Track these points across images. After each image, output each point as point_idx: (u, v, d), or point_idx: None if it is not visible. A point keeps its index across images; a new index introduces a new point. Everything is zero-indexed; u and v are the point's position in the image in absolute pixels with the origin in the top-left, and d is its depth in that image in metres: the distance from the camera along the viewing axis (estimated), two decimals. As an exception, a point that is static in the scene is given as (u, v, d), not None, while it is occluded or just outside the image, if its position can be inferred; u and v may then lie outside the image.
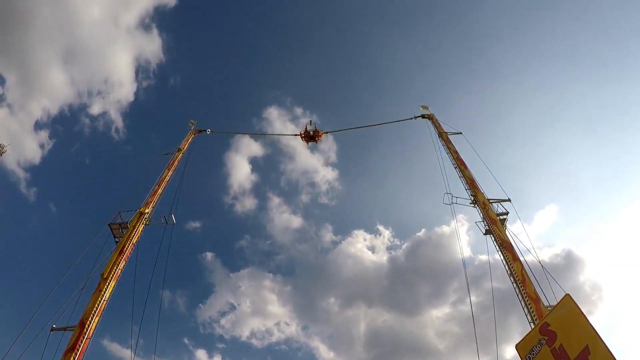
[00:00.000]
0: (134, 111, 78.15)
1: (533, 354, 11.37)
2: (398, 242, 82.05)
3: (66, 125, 72.53)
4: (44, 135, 68.12)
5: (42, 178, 69.99)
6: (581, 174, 78.67)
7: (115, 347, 60.11)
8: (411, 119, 32.53)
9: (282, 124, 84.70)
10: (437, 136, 29.26)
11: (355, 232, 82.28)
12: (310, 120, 35.29)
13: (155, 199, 25.22)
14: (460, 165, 26.04)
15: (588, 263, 72.82)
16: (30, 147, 66.64)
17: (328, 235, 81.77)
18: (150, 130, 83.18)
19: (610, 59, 75.91)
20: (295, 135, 36.90)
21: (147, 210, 23.83)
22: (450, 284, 70.70)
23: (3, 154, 45.40)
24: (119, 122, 74.92)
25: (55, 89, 69.63)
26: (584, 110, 79.90)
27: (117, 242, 22.19)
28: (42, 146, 68.02)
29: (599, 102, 77.43)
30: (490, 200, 23.25)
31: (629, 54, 72.76)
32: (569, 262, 66.23)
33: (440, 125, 29.80)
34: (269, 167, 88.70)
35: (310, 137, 34.86)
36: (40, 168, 69.31)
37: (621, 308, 66.16)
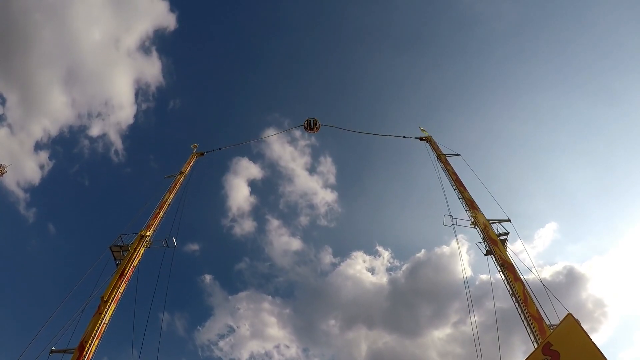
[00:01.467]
0: (134, 133, 78.94)
1: (537, 375, 11.32)
2: (398, 263, 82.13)
3: (66, 147, 73.21)
4: (43, 156, 68.65)
5: (42, 199, 70.23)
6: (580, 191, 79.46)
7: (113, 370, 59.44)
8: (408, 138, 32.79)
9: (280, 146, 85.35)
10: (436, 158, 29.53)
11: (355, 253, 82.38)
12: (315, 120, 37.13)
13: (157, 221, 25.27)
14: (459, 186, 26.21)
15: (590, 280, 73.06)
16: (30, 168, 67.09)
17: (327, 257, 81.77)
18: (149, 152, 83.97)
19: (607, 78, 77.15)
20: (299, 126, 38.72)
21: (148, 233, 23.87)
22: (451, 304, 70.51)
23: (4, 174, 45.39)
24: (118, 144, 75.67)
25: (55, 110, 70.67)
26: (582, 130, 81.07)
27: (117, 264, 22.18)
28: (42, 167, 68.51)
29: (597, 121, 78.52)
30: (491, 221, 23.36)
31: (626, 73, 73.95)
32: (570, 280, 66.36)
33: (438, 147, 30.09)
34: (267, 190, 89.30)
35: (309, 125, 37.03)
36: (40, 189, 69.57)
37: (625, 324, 65.93)
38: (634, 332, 66.37)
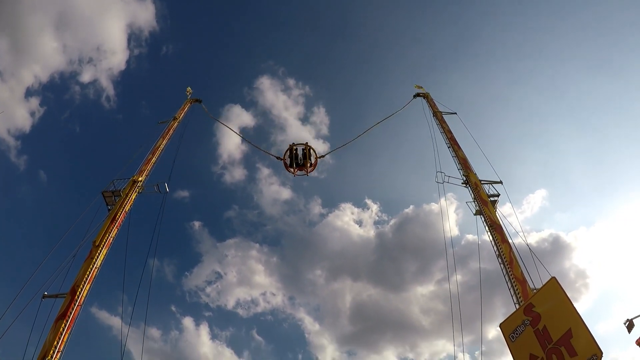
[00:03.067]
0: (126, 79, 76.95)
1: (516, 334, 11.60)
2: (386, 217, 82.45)
3: (57, 93, 71.52)
4: (34, 102, 67.11)
5: (33, 146, 69.32)
6: (572, 162, 79.19)
7: (103, 315, 60.60)
8: (410, 100, 31.94)
9: (274, 94, 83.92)
10: (432, 115, 29.25)
11: (343, 205, 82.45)
12: (307, 143, 25.50)
13: (149, 167, 25.13)
14: (453, 145, 26.11)
15: (575, 250, 73.62)
16: (21, 115, 65.69)
17: (317, 208, 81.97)
18: (141, 98, 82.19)
19: (606, 50, 75.88)
20: (279, 159, 25.57)
21: (140, 179, 23.81)
22: (437, 262, 71.41)
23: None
24: (110, 90, 73.91)
25: (46, 56, 68.28)
26: (579, 100, 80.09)
27: (109, 210, 22.19)
28: (32, 114, 67.12)
29: (596, 94, 77.68)
30: (482, 182, 23.43)
31: (625, 45, 72.73)
32: (555, 248, 67.03)
33: (435, 104, 29.75)
34: (259, 138, 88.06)
35: (296, 161, 25.08)
36: (30, 136, 68.57)
37: (605, 297, 67.49)
38: (612, 306, 67.66)
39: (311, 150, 24.98)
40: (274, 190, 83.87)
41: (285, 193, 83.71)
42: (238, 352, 69.10)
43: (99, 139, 77.51)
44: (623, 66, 74.29)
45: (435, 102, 29.94)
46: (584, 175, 78.20)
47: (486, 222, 21.53)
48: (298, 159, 24.76)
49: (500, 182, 23.41)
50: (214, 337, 70.53)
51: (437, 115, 28.65)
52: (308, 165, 24.57)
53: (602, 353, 8.88)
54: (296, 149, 24.84)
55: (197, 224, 76.91)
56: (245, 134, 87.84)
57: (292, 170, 24.74)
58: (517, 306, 16.47)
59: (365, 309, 71.18)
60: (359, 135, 26.79)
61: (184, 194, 71.80)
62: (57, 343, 15.89)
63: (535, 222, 77.09)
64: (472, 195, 23.23)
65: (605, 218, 78.26)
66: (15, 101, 64.10)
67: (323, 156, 24.35)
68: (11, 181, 66.84)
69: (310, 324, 73.72)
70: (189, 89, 33.01)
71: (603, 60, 76.69)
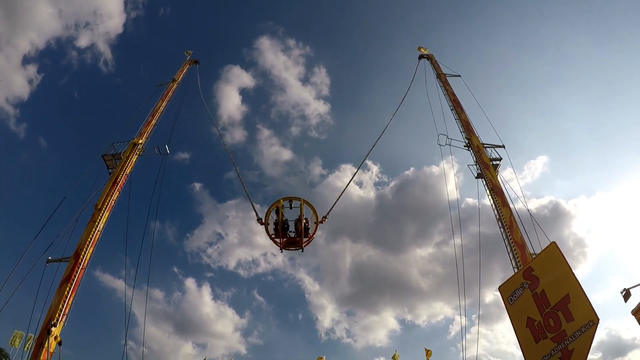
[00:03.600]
0: (123, 43, 75.90)
1: (515, 297, 11.75)
2: (386, 179, 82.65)
3: (54, 59, 70.46)
4: (32, 70, 66.27)
5: (32, 113, 68.85)
6: (575, 129, 78.69)
7: (107, 278, 61.76)
8: (416, 67, 31.13)
9: (274, 54, 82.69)
10: (435, 77, 28.85)
11: (343, 166, 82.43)
12: (291, 202, 17.14)
13: (149, 129, 25.10)
14: (456, 107, 25.87)
15: (574, 218, 74.02)
16: (19, 83, 65.02)
17: (317, 169, 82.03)
18: (139, 62, 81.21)
19: (611, 16, 74.12)
20: (260, 221, 17.26)
21: (140, 141, 23.76)
22: (436, 225, 72.11)
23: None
24: (107, 54, 72.98)
25: (42, 22, 66.90)
26: (580, 66, 78.80)
27: (110, 173, 22.26)
28: (30, 81, 66.33)
29: (600, 62, 76.33)
30: (485, 145, 23.34)
31: (632, 11, 71.02)
32: (555, 215, 67.43)
33: (439, 66, 29.30)
34: (259, 99, 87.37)
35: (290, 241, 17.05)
36: (29, 103, 68.01)
37: (602, 267, 68.23)
38: (609, 276, 68.59)
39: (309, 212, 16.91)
40: (275, 151, 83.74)
41: (286, 154, 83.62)
42: (240, 311, 70.67)
43: (98, 104, 77.00)
44: (630, 33, 72.84)
45: (439, 64, 29.49)
46: (587, 144, 77.87)
47: (487, 186, 21.58)
48: (288, 226, 16.86)
49: (503, 146, 23.35)
50: (215, 297, 71.97)
51: (441, 77, 28.25)
52: (304, 237, 16.77)
53: (598, 320, 9.01)
54: (284, 215, 16.75)
55: (197, 185, 77.35)
56: (244, 95, 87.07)
57: (278, 241, 16.76)
58: (516, 270, 16.68)
59: (364, 270, 72.17)
60: (377, 139, 22.08)
61: (184, 156, 71.87)
62: (63, 306, 16.18)
63: (536, 188, 77.28)
64: (474, 158, 23.18)
65: (606, 188, 78.51)
66: (12, 69, 63.25)
67: (326, 218, 17.02)
68: (12, 149, 66.70)
69: (310, 285, 74.96)
70: (188, 51, 32.62)
71: (610, 25, 75.16)
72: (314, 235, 16.94)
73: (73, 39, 68.79)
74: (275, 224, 16.67)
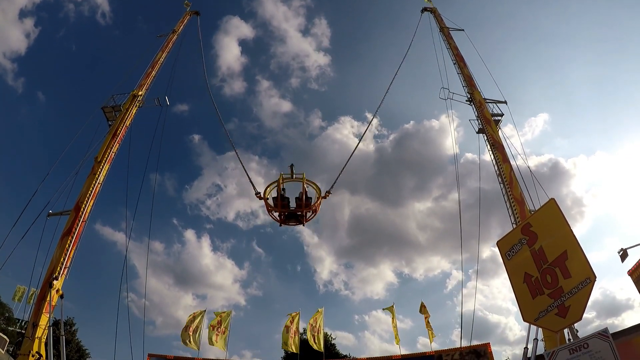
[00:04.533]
0: (120, -7, 73.71)
1: (513, 252, 11.88)
2: (385, 132, 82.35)
3: (51, 12, 68.67)
4: (29, 23, 64.69)
5: (30, 68, 67.75)
6: (577, 88, 77.64)
7: (107, 231, 62.40)
8: (419, 20, 30.30)
9: (273, 4, 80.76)
10: (439, 30, 28.27)
11: (343, 118, 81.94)
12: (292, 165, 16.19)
13: (149, 81, 24.90)
14: (459, 61, 25.52)
15: (573, 177, 74.13)
16: (16, 37, 63.63)
17: (317, 121, 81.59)
18: (137, 13, 79.26)
19: None
20: (258, 195, 16.33)
21: (140, 93, 23.60)
22: (435, 179, 72.42)
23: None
24: (105, 6, 71.23)
25: (38, -27, 64.69)
26: (588, 27, 76.79)
27: (110, 125, 22.18)
28: (27, 35, 64.87)
29: (606, 20, 74.36)
30: (487, 100, 23.16)
31: None
32: (554, 173, 67.54)
33: (442, 19, 28.65)
34: (258, 50, 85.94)
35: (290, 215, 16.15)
36: (26, 58, 66.80)
37: (598, 227, 68.76)
38: (605, 237, 69.28)
39: (312, 188, 16.19)
40: (274, 102, 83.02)
41: (286, 106, 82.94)
42: (239, 263, 72.01)
43: (96, 56, 75.68)
44: None
45: (442, 17, 28.84)
46: (589, 103, 77.02)
47: (488, 141, 21.54)
48: (289, 202, 16.08)
49: (505, 102, 23.23)
50: (215, 249, 73.10)
51: (444, 30, 27.69)
52: (306, 212, 15.95)
53: (595, 277, 9.13)
54: (284, 190, 16.06)
55: (196, 137, 77.05)
56: (244, 46, 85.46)
57: (278, 217, 16.16)
58: (514, 226, 16.85)
59: (363, 223, 72.95)
60: (383, 98, 21.12)
61: (183, 107, 71.26)
62: (64, 259, 16.46)
63: (536, 146, 77.09)
64: (476, 113, 23.04)
65: (606, 148, 78.17)
66: (8, 24, 61.74)
67: (329, 193, 16.42)
68: (10, 104, 66.03)
69: (309, 237, 75.95)
70: (187, 2, 31.78)
71: None
72: (318, 211, 16.21)
73: None
74: (274, 199, 15.89)
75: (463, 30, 28.03)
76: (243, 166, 18.49)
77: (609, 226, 70.72)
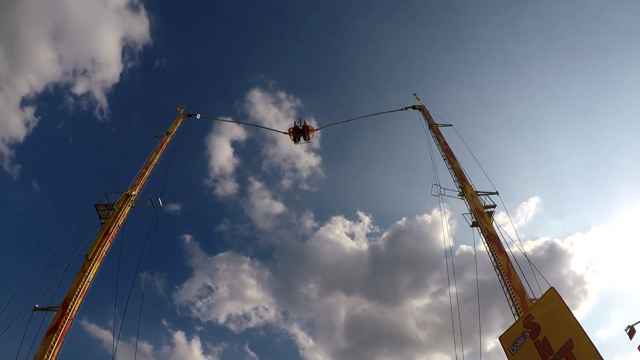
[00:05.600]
0: (119, 92, 77.18)
1: (516, 347, 11.46)
2: (378, 230, 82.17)
3: (51, 104, 71.71)
4: (29, 112, 67.28)
5: (27, 156, 69.29)
6: (565, 167, 79.37)
7: (93, 328, 59.90)
8: (402, 109, 32.40)
9: (264, 107, 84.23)
10: (428, 127, 29.24)
11: (335, 217, 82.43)
12: (300, 119, 33.45)
13: (143, 181, 25.09)
14: (449, 157, 26.07)
15: (571, 256, 73.57)
16: (16, 124, 65.76)
17: (309, 222, 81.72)
18: (134, 111, 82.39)
19: (596, 52, 76.66)
20: (285, 133, 34.26)
21: (134, 193, 23.71)
22: (431, 274, 71.12)
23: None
24: (103, 102, 74.04)
25: (42, 66, 68.57)
26: (567, 104, 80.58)
27: (102, 223, 22.05)
28: (27, 124, 67.17)
29: (584, 96, 78.34)
30: (478, 193, 23.34)
31: (616, 47, 73.51)
32: (551, 255, 66.85)
33: (430, 116, 29.79)
34: (250, 151, 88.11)
35: (300, 131, 33.30)
36: (24, 146, 68.59)
37: (603, 303, 67.23)
38: (612, 312, 67.53)
39: (308, 126, 33.22)
40: (266, 204, 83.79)
41: (277, 207, 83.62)
42: (230, 367, 68.16)
43: (92, 151, 77.62)
44: (614, 68, 75.04)
45: (430, 114, 30.01)
46: (577, 180, 78.32)
47: (483, 234, 21.36)
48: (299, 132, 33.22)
49: (497, 193, 23.36)
50: (206, 352, 69.52)
51: (433, 127, 28.67)
52: (308, 135, 33.39)
53: (605, 363, 8.71)
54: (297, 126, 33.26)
55: (188, 237, 76.47)
56: (236, 147, 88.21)
57: (295, 139, 33.51)
58: (517, 317, 16.29)
59: (360, 323, 70.45)
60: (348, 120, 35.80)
61: (175, 207, 71.43)
62: (48, 357, 15.64)
63: (530, 230, 76.99)
64: (469, 207, 23.09)
65: (600, 223, 78.16)
66: (10, 110, 64.25)
67: (317, 129, 34.13)
68: (4, 190, 66.73)
69: (304, 339, 72.84)
70: (180, 105, 33.24)
71: (594, 63, 77.47)
72: (311, 134, 33.47)
73: (70, 85, 70.30)
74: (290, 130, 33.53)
75: (451, 125, 29.00)
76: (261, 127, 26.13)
77: (613, 300, 68.62)
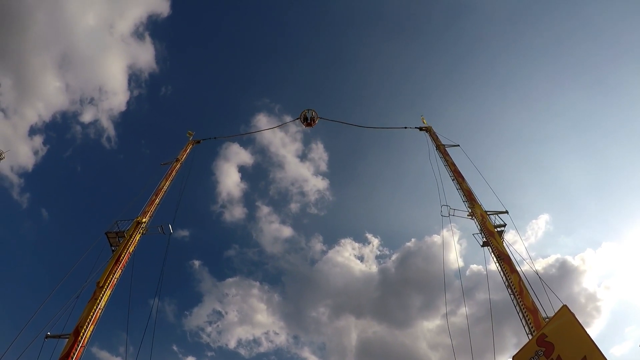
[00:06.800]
0: (126, 120, 78.40)
1: (531, 366, 11.30)
2: (387, 252, 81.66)
3: (59, 132, 72.79)
4: (38, 141, 68.34)
5: (36, 184, 70.12)
6: (573, 183, 78.92)
7: (104, 355, 59.66)
8: (407, 128, 32.64)
9: (271, 131, 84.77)
10: (435, 148, 29.36)
11: (343, 240, 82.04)
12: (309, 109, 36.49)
13: (153, 208, 25.29)
14: (457, 177, 26.08)
15: (583, 273, 72.54)
16: (24, 153, 66.79)
17: (318, 245, 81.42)
18: (141, 138, 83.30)
19: (603, 71, 76.86)
20: (295, 119, 38.31)
21: (144, 220, 23.88)
22: (442, 295, 70.07)
23: (1, 160, 45.18)
24: (110, 130, 75.10)
25: (49, 94, 69.97)
26: (574, 120, 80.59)
27: (113, 250, 22.20)
28: (36, 152, 68.18)
29: (592, 114, 78.31)
30: (488, 213, 23.24)
31: (619, 60, 73.68)
32: (563, 272, 65.96)
33: (437, 137, 29.92)
34: (258, 176, 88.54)
35: (306, 119, 36.27)
36: (33, 174, 69.46)
37: (617, 319, 66.00)
38: (626, 328, 66.25)
39: (315, 114, 36.06)
40: (274, 228, 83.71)
41: (286, 231, 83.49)
42: (243, 393, 67.27)
43: (100, 179, 78.43)
44: (621, 83, 75.03)
45: (437, 134, 30.14)
46: (586, 196, 77.66)
47: (494, 254, 21.25)
48: (308, 120, 36.16)
49: (506, 212, 23.21)
50: (217, 378, 68.84)
51: (440, 148, 28.79)
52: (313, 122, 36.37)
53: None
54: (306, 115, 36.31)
55: (197, 263, 76.46)
56: (243, 172, 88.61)
57: (304, 125, 36.71)
58: (530, 336, 16.12)
59: (371, 346, 69.45)
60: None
61: (184, 233, 71.64)
62: (60, 384, 15.63)
63: (541, 248, 76.15)
64: (479, 227, 23.00)
65: (611, 238, 77.22)
66: (19, 139, 65.36)
67: (323, 118, 36.58)
68: (14, 219, 67.33)
69: (315, 364, 71.89)
70: (190, 132, 33.71)
71: (600, 78, 77.56)
72: (315, 122, 36.14)
73: (78, 114, 71.52)
74: (301, 117, 36.29)
75: (458, 145, 29.05)
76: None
77: (627, 316, 67.17)
